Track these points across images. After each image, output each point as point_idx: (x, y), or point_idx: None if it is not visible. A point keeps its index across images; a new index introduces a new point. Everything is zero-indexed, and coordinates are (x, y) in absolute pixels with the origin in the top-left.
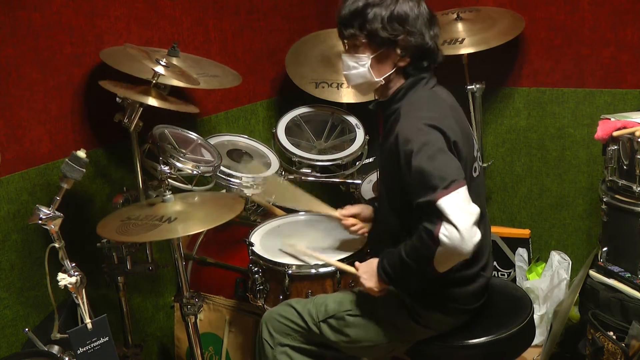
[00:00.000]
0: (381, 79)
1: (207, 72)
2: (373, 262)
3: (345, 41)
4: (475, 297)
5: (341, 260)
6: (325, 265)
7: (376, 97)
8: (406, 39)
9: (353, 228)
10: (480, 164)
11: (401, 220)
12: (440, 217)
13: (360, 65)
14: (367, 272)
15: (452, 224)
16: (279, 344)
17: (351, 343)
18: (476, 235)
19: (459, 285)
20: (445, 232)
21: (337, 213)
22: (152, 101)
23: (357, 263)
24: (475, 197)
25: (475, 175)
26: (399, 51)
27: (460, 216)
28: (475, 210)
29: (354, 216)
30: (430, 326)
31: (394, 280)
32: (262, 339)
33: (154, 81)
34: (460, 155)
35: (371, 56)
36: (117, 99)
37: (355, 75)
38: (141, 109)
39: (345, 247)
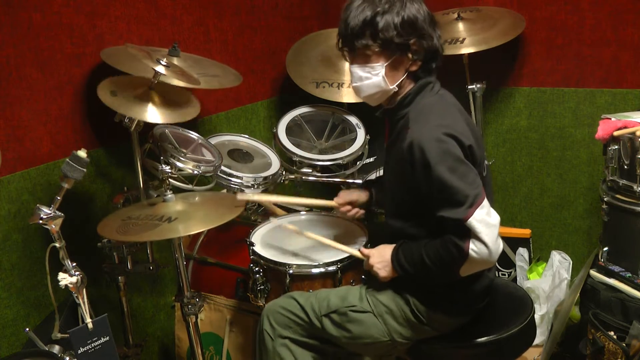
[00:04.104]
0: (394, 85)
1: (208, 71)
2: (386, 253)
3: (350, 52)
4: (479, 298)
5: (342, 260)
6: (327, 264)
7: (383, 105)
8: (418, 43)
9: (349, 213)
10: (486, 163)
11: (407, 222)
12: (469, 234)
13: (374, 75)
14: (381, 262)
15: (481, 240)
16: (280, 336)
17: (352, 339)
18: (501, 246)
19: (463, 285)
20: (474, 249)
21: (333, 202)
22: (144, 114)
23: (363, 249)
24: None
25: (484, 174)
26: (410, 55)
27: (487, 232)
28: (496, 221)
29: (350, 203)
30: (433, 326)
31: (411, 275)
32: (263, 330)
33: (154, 81)
34: (475, 158)
35: (385, 64)
36: (116, 114)
37: (368, 85)
38: None
39: (346, 244)
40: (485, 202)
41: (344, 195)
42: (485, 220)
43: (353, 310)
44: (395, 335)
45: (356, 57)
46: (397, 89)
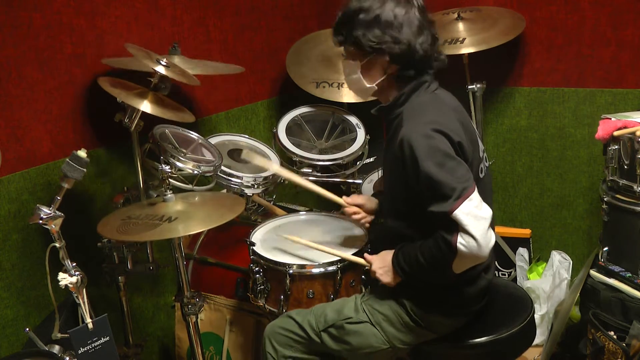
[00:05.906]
0: (374, 85)
1: (208, 71)
2: (387, 258)
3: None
4: (476, 299)
5: (342, 260)
6: (327, 264)
7: (380, 102)
8: (391, 47)
9: (356, 216)
10: (486, 164)
11: (403, 222)
12: (457, 227)
13: (353, 72)
14: (383, 267)
15: (469, 233)
16: (283, 357)
17: (353, 351)
18: (492, 240)
19: (460, 286)
20: (462, 242)
21: (341, 200)
22: (146, 106)
23: (367, 255)
24: (482, 198)
25: (482, 176)
26: (387, 58)
27: (475, 225)
28: (487, 214)
29: (358, 206)
30: (431, 329)
31: (411, 276)
32: (266, 353)
33: (154, 81)
34: (465, 156)
35: (360, 63)
36: (118, 99)
37: (350, 81)
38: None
39: (346, 245)
40: (475, 195)
41: (354, 197)
42: (473, 213)
43: (350, 323)
44: (395, 342)
45: (344, 51)
46: (377, 87)
